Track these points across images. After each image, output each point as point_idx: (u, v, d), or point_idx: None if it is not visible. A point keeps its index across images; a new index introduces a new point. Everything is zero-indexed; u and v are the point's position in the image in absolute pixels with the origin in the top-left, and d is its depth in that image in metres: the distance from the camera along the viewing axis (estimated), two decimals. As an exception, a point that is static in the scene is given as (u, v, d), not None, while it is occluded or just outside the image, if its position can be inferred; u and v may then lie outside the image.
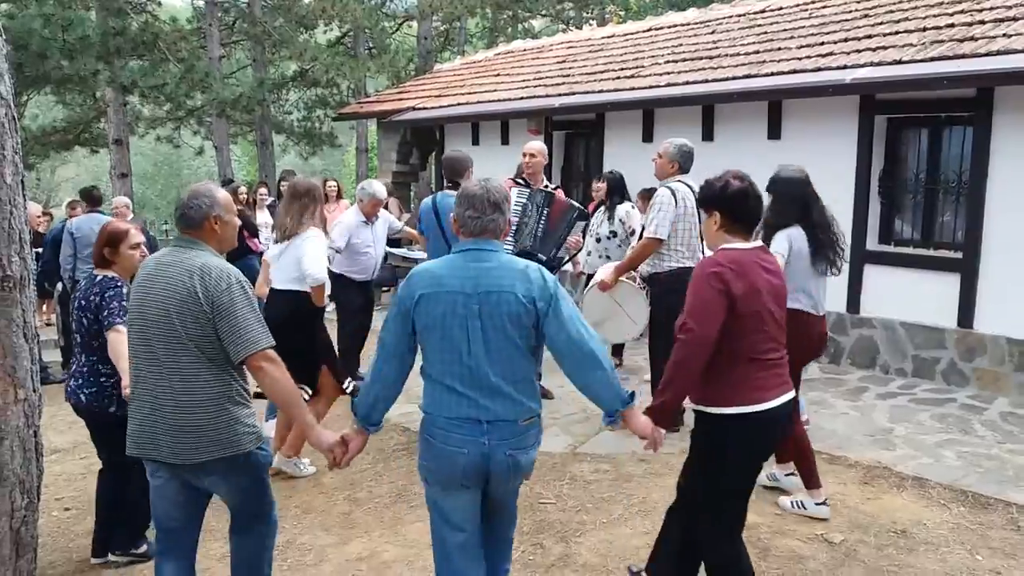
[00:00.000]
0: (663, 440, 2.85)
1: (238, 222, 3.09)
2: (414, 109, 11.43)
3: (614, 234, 6.94)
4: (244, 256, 7.64)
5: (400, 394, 2.84)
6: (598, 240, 6.99)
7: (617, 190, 7.01)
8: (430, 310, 2.62)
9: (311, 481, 4.74)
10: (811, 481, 4.15)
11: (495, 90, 10.78)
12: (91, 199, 7.95)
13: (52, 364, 8.18)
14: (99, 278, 3.67)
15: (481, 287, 2.60)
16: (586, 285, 6.31)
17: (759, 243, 2.98)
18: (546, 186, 5.98)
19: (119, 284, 3.64)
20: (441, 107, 11.03)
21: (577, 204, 5.96)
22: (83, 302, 3.63)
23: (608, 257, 6.85)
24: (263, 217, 9.54)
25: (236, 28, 20.09)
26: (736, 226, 2.90)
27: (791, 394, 2.93)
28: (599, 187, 7.23)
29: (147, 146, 30.30)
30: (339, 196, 10.21)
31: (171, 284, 2.74)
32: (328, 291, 4.87)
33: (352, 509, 4.34)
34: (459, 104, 10.80)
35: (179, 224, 2.89)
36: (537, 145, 6.04)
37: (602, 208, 7.09)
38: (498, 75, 11.68)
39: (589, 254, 6.99)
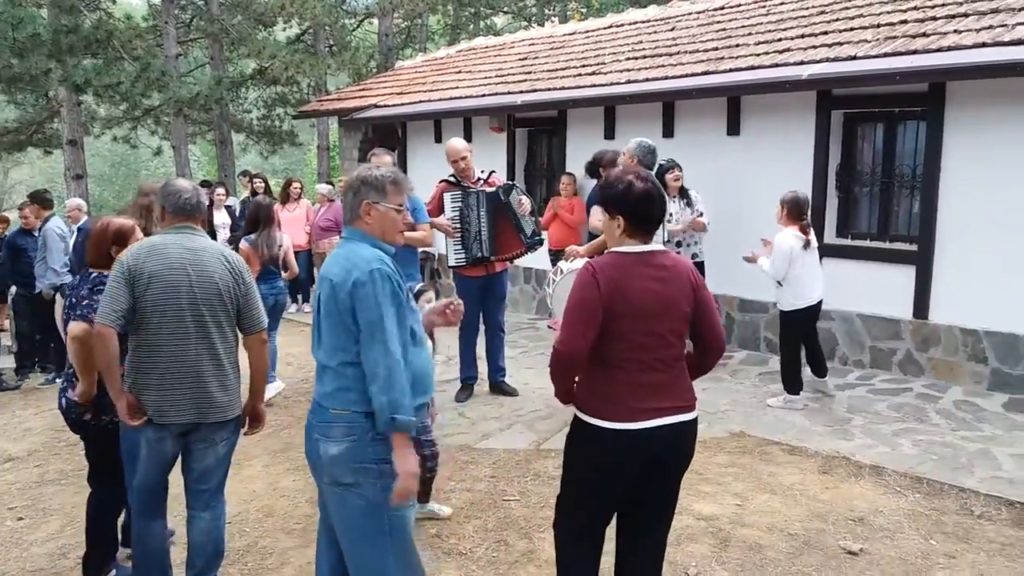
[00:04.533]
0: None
1: None
2: (376, 107, 11.36)
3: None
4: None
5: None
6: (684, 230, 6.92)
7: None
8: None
9: (272, 485, 4.69)
10: None
11: (457, 87, 10.74)
12: (44, 202, 7.80)
13: (6, 371, 8.00)
14: (94, 275, 3.52)
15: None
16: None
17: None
18: (478, 179, 5.95)
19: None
20: (403, 104, 10.97)
21: (501, 184, 5.91)
22: (74, 300, 3.48)
23: (697, 243, 6.98)
24: (221, 218, 9.42)
25: (193, 26, 19.79)
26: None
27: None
28: (678, 175, 6.88)
29: (103, 146, 29.70)
30: (300, 196, 10.16)
31: (214, 265, 3.19)
32: None
33: (315, 512, 4.26)
34: (421, 102, 10.75)
35: (181, 213, 3.25)
36: (459, 144, 5.96)
37: (675, 198, 6.88)
38: (460, 72, 11.65)
39: (679, 245, 6.87)
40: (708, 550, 3.78)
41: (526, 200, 5.88)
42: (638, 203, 2.67)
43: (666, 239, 6.59)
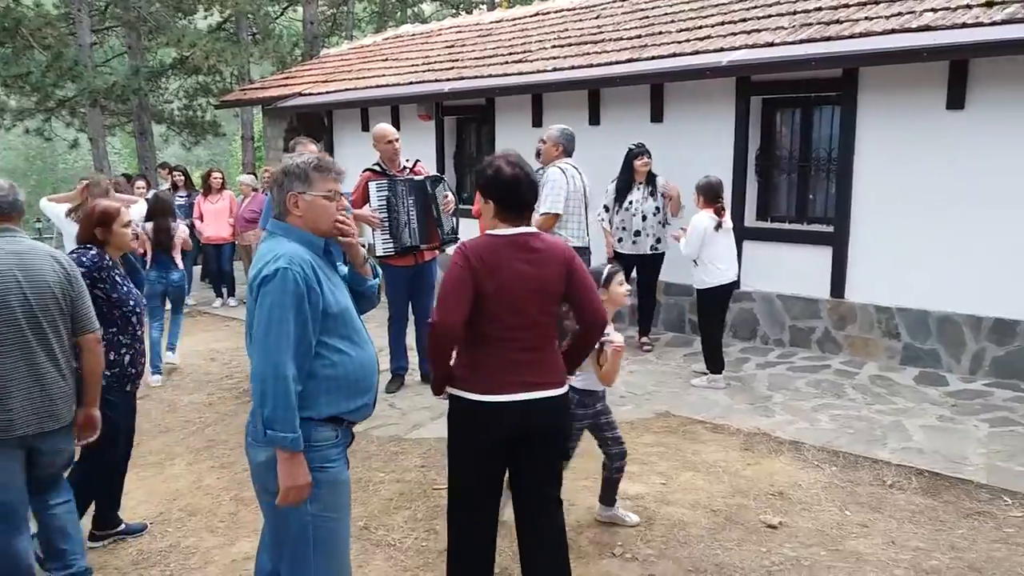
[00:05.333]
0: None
1: None
2: (300, 95, 11.14)
3: (658, 210, 6.89)
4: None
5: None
6: (644, 218, 6.85)
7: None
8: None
9: (195, 483, 4.58)
10: None
11: (384, 75, 10.62)
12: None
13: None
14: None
15: None
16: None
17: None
18: (403, 168, 5.91)
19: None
20: (329, 92, 10.79)
21: (428, 175, 5.92)
22: None
23: (659, 238, 6.90)
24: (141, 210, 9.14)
25: (108, 14, 19.02)
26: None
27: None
28: (646, 161, 6.82)
29: (16, 139, 28.48)
30: (222, 187, 9.93)
31: (44, 267, 3.06)
32: None
33: (239, 509, 4.21)
34: (347, 90, 10.59)
35: None
36: (389, 127, 5.93)
37: (640, 185, 6.90)
38: (387, 60, 11.52)
39: (638, 234, 6.86)
40: (633, 529, 3.84)
41: (451, 196, 5.88)
42: (506, 188, 2.74)
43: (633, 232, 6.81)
